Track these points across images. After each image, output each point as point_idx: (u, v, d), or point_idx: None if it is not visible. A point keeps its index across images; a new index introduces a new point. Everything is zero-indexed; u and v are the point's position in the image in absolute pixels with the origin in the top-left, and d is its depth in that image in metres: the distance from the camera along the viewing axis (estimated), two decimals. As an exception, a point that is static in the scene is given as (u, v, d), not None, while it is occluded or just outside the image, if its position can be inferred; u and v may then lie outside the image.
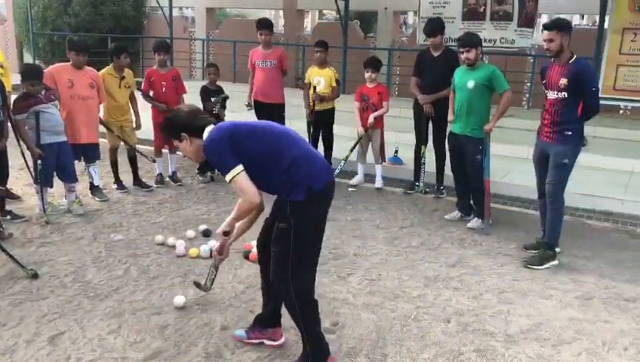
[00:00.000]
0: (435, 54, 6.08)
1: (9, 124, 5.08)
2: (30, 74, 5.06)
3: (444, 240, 5.09)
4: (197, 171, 6.85)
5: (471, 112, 5.24)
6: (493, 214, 5.46)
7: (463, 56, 5.24)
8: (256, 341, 3.29)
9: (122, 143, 6.20)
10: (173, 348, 3.23)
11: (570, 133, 4.49)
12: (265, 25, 6.93)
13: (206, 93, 6.69)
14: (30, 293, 3.81)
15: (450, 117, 5.52)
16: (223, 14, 19.91)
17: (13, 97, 5.34)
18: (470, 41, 5.21)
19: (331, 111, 6.94)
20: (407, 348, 3.32)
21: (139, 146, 6.49)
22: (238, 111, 8.18)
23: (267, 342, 3.27)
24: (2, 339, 3.24)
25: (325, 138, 7.01)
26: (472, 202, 5.53)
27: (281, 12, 14.77)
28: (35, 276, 4.03)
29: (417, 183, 6.49)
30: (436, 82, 5.97)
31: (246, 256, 4.46)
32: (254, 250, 4.16)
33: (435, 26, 6.06)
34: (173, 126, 3.02)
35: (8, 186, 5.37)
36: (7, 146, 5.15)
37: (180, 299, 3.69)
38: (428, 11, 8.93)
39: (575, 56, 4.45)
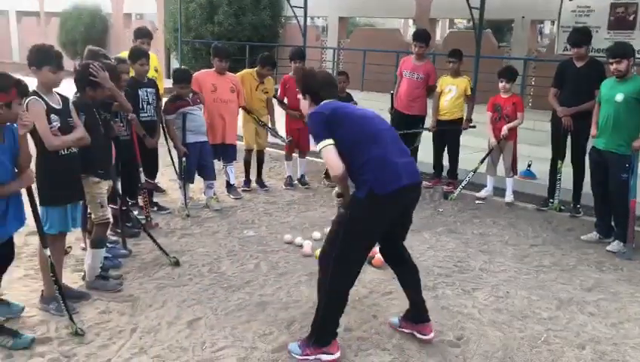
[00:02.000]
0: (579, 65, 5.74)
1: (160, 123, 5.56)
2: (181, 78, 5.49)
3: (579, 262, 4.78)
4: (323, 176, 7.01)
5: (618, 127, 4.88)
6: (637, 238, 5.04)
7: (612, 67, 4.89)
8: (407, 331, 3.45)
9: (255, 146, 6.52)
10: (299, 344, 3.34)
11: None
12: (420, 37, 6.79)
13: (337, 101, 6.83)
14: (172, 279, 4.14)
15: (593, 131, 5.19)
16: (352, 23, 20.23)
17: (164, 100, 5.83)
18: (622, 51, 4.86)
19: (459, 121, 6.77)
20: (536, 371, 3.18)
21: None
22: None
23: (417, 335, 3.39)
24: (148, 319, 3.55)
25: (451, 148, 6.87)
26: (613, 223, 5.15)
27: (410, 21, 14.69)
28: (176, 264, 4.36)
29: (551, 200, 6.16)
30: (578, 94, 5.65)
31: (370, 262, 4.50)
32: (378, 255, 4.19)
33: (581, 36, 5.73)
34: (306, 84, 3.34)
35: (156, 181, 5.87)
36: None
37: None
38: (570, 20, 8.50)
39: None
